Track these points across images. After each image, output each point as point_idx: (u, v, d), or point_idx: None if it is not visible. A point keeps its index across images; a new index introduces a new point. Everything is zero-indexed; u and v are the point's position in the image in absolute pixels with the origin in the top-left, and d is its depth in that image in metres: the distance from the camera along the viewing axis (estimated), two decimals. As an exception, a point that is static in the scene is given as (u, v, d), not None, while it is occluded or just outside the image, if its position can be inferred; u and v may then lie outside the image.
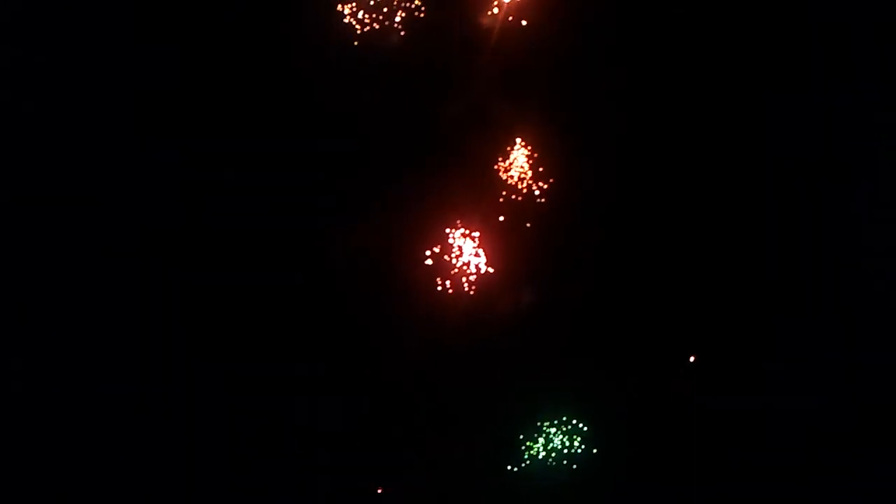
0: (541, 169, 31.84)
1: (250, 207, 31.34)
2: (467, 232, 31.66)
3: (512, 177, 31.82)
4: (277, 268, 31.25)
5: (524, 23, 31.75)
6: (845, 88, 31.34)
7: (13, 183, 31.16)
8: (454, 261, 31.50)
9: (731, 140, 31.79)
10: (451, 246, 31.59)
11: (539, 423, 31.13)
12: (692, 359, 31.50)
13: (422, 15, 31.79)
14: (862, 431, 30.63)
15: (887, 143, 31.40)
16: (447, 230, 31.63)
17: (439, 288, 31.39)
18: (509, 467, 31.11)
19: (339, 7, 31.91)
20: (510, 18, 31.76)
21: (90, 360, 30.55)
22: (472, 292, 31.37)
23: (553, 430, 31.13)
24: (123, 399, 30.29)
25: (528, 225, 31.74)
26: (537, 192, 31.80)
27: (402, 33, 31.77)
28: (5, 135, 31.32)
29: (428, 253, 31.48)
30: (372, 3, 31.84)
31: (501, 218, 31.73)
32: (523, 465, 31.09)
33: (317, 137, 31.82)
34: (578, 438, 31.13)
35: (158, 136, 31.53)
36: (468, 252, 31.55)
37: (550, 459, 31.09)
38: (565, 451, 31.10)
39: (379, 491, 30.86)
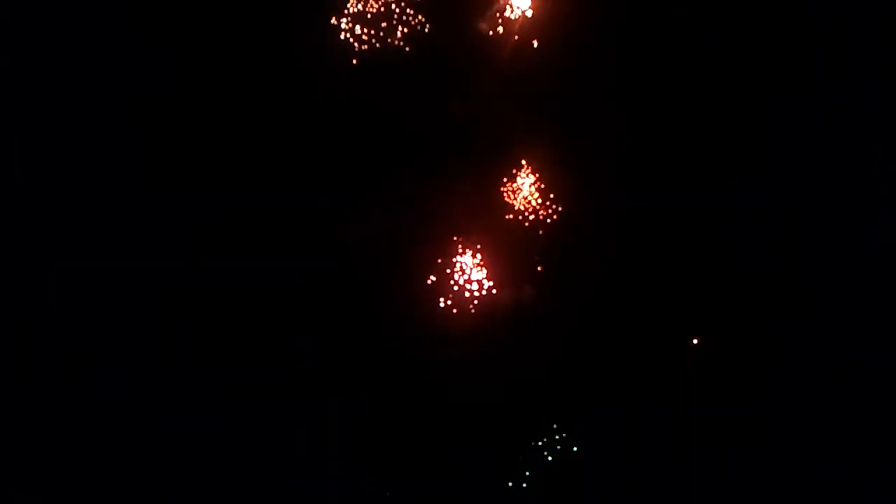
0: (545, 185, 31.93)
1: (252, 209, 31.39)
2: (470, 247, 31.72)
3: (516, 193, 31.91)
4: (282, 269, 31.27)
5: (534, 43, 31.90)
6: (845, 88, 31.38)
7: (13, 182, 31.12)
8: (457, 276, 31.55)
9: (732, 141, 31.84)
10: (454, 262, 31.62)
11: (543, 430, 31.30)
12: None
13: (426, 30, 31.86)
14: (862, 431, 30.70)
15: (887, 143, 31.46)
16: (450, 247, 31.69)
17: (441, 304, 31.46)
18: (516, 470, 31.22)
19: (344, 10, 31.97)
20: (516, 37, 31.85)
21: (92, 359, 30.55)
22: (472, 309, 31.47)
23: (557, 434, 31.25)
24: (125, 399, 30.28)
25: (532, 241, 31.85)
26: (543, 213, 31.88)
27: (407, 49, 31.87)
28: (5, 134, 31.29)
29: (433, 263, 31.58)
30: (370, 17, 31.87)
31: (506, 233, 31.86)
32: (529, 468, 31.19)
33: (320, 145, 31.87)
34: (582, 442, 31.28)
35: (158, 136, 31.51)
36: (470, 268, 31.60)
37: (557, 462, 31.23)
38: (571, 454, 31.24)
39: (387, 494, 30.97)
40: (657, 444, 31.21)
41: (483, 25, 31.96)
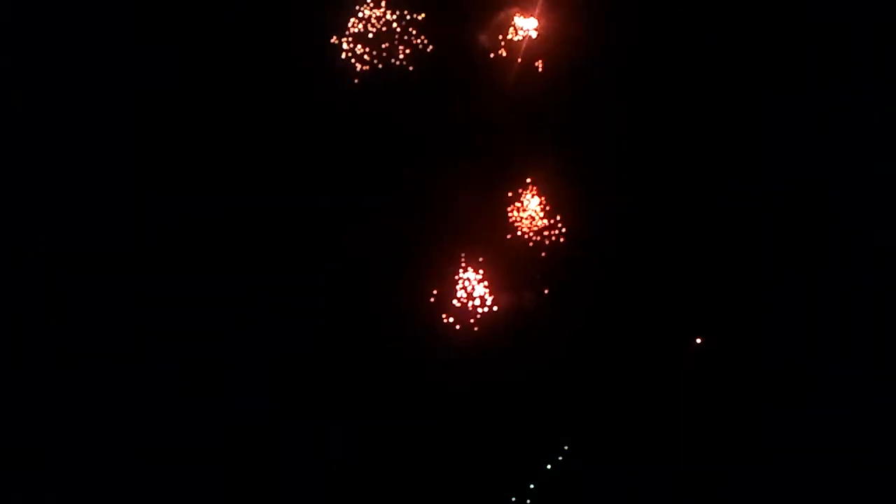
0: (545, 189, 32.04)
1: (252, 210, 31.47)
2: (471, 251, 31.78)
3: (516, 198, 32.02)
4: (283, 269, 31.32)
5: (538, 65, 32.03)
6: (845, 88, 31.43)
7: (13, 182, 31.15)
8: (457, 278, 31.62)
9: (732, 140, 31.92)
10: (454, 264, 31.68)
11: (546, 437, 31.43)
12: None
13: (428, 49, 31.98)
14: (862, 431, 30.74)
15: (887, 142, 31.50)
16: (451, 250, 31.76)
17: (441, 304, 31.52)
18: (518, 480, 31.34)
19: (348, 25, 32.07)
20: (519, 60, 31.96)
21: (92, 359, 30.58)
22: (473, 312, 31.52)
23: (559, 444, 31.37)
24: (126, 399, 30.32)
25: (533, 246, 31.93)
26: (543, 215, 31.97)
27: (410, 59, 31.97)
28: (5, 134, 31.31)
29: (433, 264, 31.62)
30: (371, 36, 31.97)
31: (507, 238, 31.96)
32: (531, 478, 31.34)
33: (321, 147, 31.95)
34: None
35: (158, 135, 31.55)
36: (472, 273, 31.67)
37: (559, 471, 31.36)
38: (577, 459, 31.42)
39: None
40: (658, 447, 31.27)
41: (485, 44, 32.09)
